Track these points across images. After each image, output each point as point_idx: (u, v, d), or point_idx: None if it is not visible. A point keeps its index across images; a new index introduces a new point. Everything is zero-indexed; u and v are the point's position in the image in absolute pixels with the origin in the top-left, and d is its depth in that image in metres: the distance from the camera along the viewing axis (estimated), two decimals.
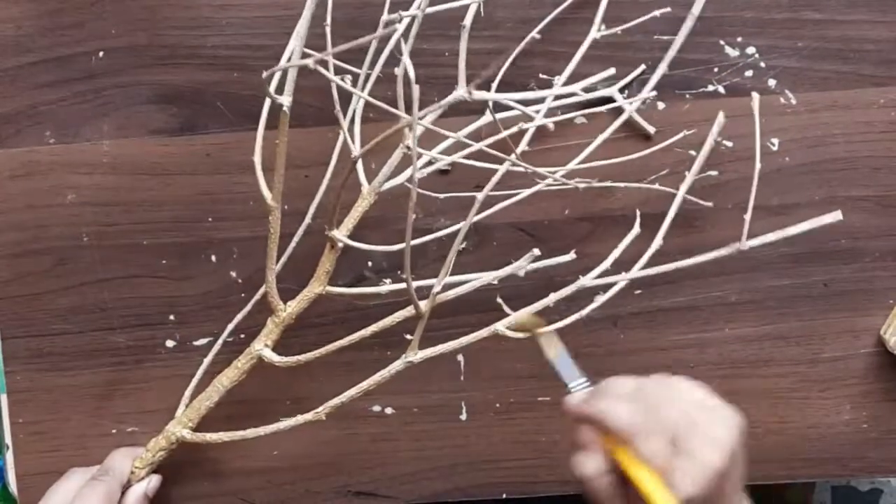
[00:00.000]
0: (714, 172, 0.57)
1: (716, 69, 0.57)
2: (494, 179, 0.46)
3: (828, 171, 0.58)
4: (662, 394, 0.47)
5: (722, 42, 0.57)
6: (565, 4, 0.56)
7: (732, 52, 0.57)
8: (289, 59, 0.52)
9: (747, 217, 0.52)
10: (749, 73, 0.57)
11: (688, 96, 0.58)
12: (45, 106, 0.58)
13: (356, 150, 0.50)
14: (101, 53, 0.58)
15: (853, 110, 0.58)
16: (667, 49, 0.57)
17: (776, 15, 0.57)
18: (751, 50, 0.57)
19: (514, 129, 0.50)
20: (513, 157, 0.46)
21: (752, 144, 0.57)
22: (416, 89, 0.41)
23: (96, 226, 0.59)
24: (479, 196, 0.46)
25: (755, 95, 0.53)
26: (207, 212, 0.59)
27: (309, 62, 0.39)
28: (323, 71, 0.42)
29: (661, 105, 0.57)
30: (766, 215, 0.58)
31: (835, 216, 0.51)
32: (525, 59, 0.57)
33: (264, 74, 0.43)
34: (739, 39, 0.57)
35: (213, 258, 0.59)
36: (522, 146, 0.52)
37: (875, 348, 0.59)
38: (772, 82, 0.57)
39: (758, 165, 0.53)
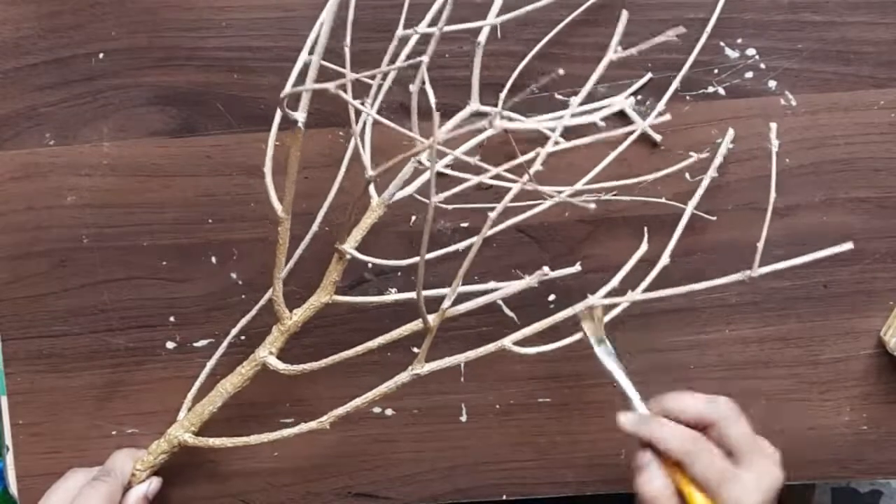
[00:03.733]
0: (715, 174, 0.57)
1: (716, 71, 0.57)
2: (507, 199, 0.46)
3: (828, 172, 0.58)
4: (724, 411, 0.50)
5: (722, 44, 0.57)
6: (570, 17, 0.56)
7: (732, 54, 0.57)
8: (304, 74, 0.51)
9: (760, 244, 0.52)
10: (749, 74, 0.57)
11: (688, 98, 0.58)
12: (45, 108, 0.58)
13: (370, 170, 0.50)
14: (100, 55, 0.58)
15: (853, 112, 0.58)
16: (667, 51, 0.57)
17: (776, 17, 0.57)
18: (751, 51, 0.57)
19: (532, 155, 0.50)
20: (525, 178, 0.46)
21: (753, 146, 0.57)
22: (436, 116, 0.40)
23: (96, 227, 0.59)
24: (492, 215, 0.46)
25: (773, 126, 0.54)
26: (207, 213, 0.59)
27: (330, 87, 0.39)
28: (343, 95, 0.42)
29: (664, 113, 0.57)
30: (766, 217, 0.58)
31: (846, 246, 0.51)
32: (526, 62, 0.57)
33: (283, 94, 0.43)
34: (739, 41, 0.57)
35: (214, 260, 0.59)
36: (536, 166, 0.52)
37: (875, 350, 0.59)
38: (772, 84, 0.57)
39: (773, 196, 0.53)
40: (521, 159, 0.45)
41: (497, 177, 0.47)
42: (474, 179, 0.52)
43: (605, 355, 0.53)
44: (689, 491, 0.49)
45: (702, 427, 0.50)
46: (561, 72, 0.42)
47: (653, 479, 0.50)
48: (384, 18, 0.56)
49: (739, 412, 0.51)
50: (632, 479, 0.51)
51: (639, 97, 0.57)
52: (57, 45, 0.58)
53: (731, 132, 0.57)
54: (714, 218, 0.58)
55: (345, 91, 0.44)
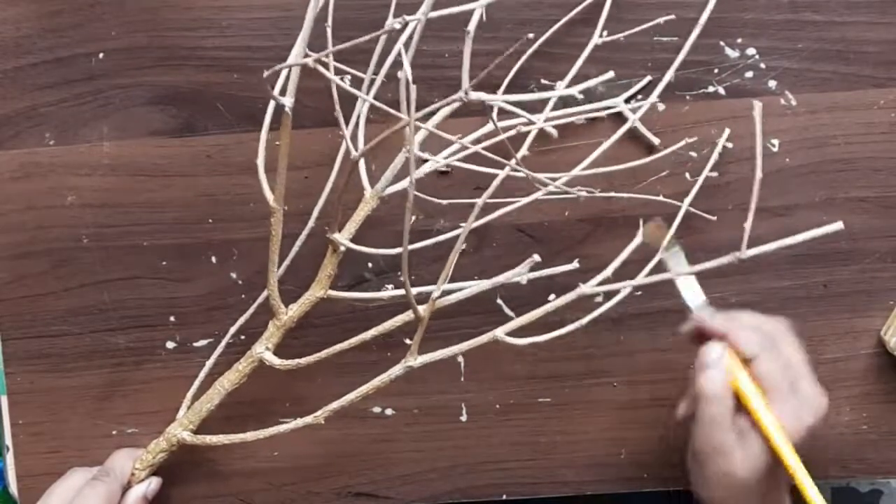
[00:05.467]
0: (714, 174, 0.57)
1: (716, 70, 0.57)
2: (494, 185, 0.46)
3: (828, 172, 0.58)
4: (781, 333, 0.50)
5: (722, 43, 0.57)
6: (569, 16, 0.56)
7: (733, 54, 0.57)
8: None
9: (747, 225, 0.52)
10: (749, 74, 0.57)
11: (688, 97, 0.57)
12: (45, 107, 0.58)
13: (355, 150, 0.50)
14: (100, 55, 0.58)
15: (853, 111, 0.57)
16: (667, 50, 0.57)
17: (776, 16, 0.57)
18: (751, 51, 0.57)
19: (513, 132, 0.50)
20: (513, 162, 0.46)
21: (753, 146, 0.57)
22: (412, 90, 0.40)
23: (96, 227, 0.59)
24: (479, 202, 0.46)
25: (757, 104, 0.53)
26: (207, 213, 0.59)
27: (308, 61, 0.39)
28: (322, 70, 0.42)
29: (661, 106, 0.57)
30: (766, 217, 0.58)
31: (836, 226, 0.51)
32: (524, 60, 0.57)
33: (265, 74, 0.43)
34: (740, 41, 0.57)
35: (214, 259, 0.59)
36: (523, 150, 0.52)
37: (875, 349, 0.59)
38: (772, 83, 0.57)
39: (759, 175, 0.53)
40: (504, 136, 0.44)
41: (488, 163, 0.47)
42: (458, 156, 0.52)
43: (676, 259, 0.53)
44: (746, 394, 0.48)
45: None
46: (531, 35, 0.42)
47: (717, 377, 0.48)
48: (380, 18, 0.56)
49: (795, 333, 0.51)
50: (694, 377, 0.49)
51: (639, 97, 0.57)
52: (57, 44, 0.58)
53: (726, 132, 0.57)
54: (714, 217, 0.57)
55: (326, 67, 0.44)
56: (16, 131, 0.58)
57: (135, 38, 0.58)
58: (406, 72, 0.44)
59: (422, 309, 0.50)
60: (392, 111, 0.45)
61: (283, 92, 0.48)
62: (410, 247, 0.55)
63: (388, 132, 0.43)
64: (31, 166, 0.58)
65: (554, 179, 0.53)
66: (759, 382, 0.48)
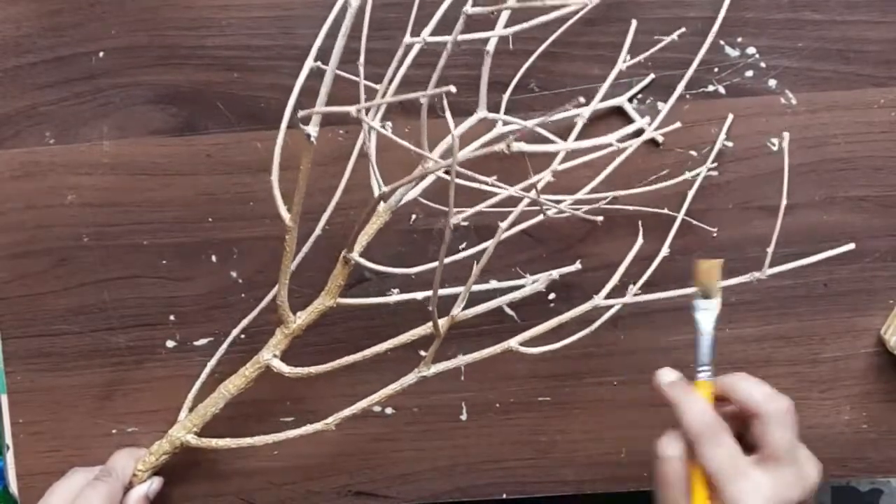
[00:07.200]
0: (714, 172, 0.57)
1: (716, 69, 0.57)
2: (516, 213, 0.46)
3: (828, 171, 0.58)
4: (777, 409, 0.47)
5: (722, 42, 0.57)
6: (575, 17, 0.56)
7: (733, 53, 0.57)
8: (310, 77, 0.51)
9: (770, 249, 0.52)
10: (749, 73, 0.57)
11: (688, 96, 0.57)
12: (45, 106, 0.58)
13: (382, 186, 0.50)
14: (101, 54, 0.58)
15: (853, 110, 0.57)
16: (668, 49, 0.56)
17: (776, 15, 0.57)
18: (751, 50, 0.57)
19: (547, 174, 0.50)
20: (532, 193, 0.46)
21: (753, 145, 0.57)
22: (455, 142, 0.40)
23: (96, 226, 0.59)
24: (503, 225, 0.46)
25: (786, 135, 0.54)
26: (207, 212, 0.59)
27: (352, 110, 0.39)
28: (364, 119, 0.42)
29: (661, 105, 0.57)
30: (766, 216, 0.58)
31: (848, 247, 0.52)
32: (525, 59, 0.57)
33: (300, 114, 0.43)
34: (740, 39, 0.57)
35: (214, 258, 0.59)
36: (547, 177, 0.52)
37: (875, 348, 0.59)
38: (772, 82, 0.57)
39: (784, 202, 0.53)
40: (533, 179, 0.45)
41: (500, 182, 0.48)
42: (489, 201, 0.52)
43: (704, 311, 0.50)
44: (695, 479, 0.47)
45: (750, 416, 0.47)
46: (582, 100, 0.43)
47: (670, 444, 0.47)
48: (382, 18, 0.56)
49: (793, 419, 0.47)
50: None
51: (640, 95, 0.57)
52: (57, 43, 0.58)
53: (730, 117, 0.57)
54: (714, 230, 0.58)
55: (365, 112, 0.44)
56: (16, 130, 0.58)
57: (135, 37, 0.58)
58: (450, 124, 0.44)
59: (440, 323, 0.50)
60: (426, 154, 0.45)
61: (303, 114, 0.47)
62: (420, 268, 0.55)
63: (421, 174, 0.44)
64: (31, 165, 0.58)
65: (559, 202, 0.53)
66: (701, 459, 0.46)
